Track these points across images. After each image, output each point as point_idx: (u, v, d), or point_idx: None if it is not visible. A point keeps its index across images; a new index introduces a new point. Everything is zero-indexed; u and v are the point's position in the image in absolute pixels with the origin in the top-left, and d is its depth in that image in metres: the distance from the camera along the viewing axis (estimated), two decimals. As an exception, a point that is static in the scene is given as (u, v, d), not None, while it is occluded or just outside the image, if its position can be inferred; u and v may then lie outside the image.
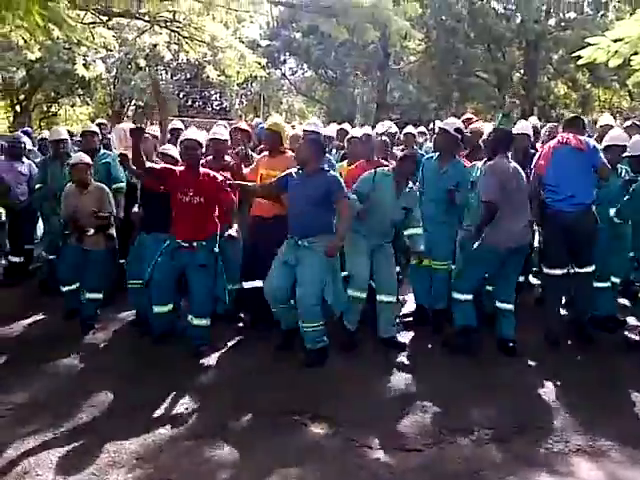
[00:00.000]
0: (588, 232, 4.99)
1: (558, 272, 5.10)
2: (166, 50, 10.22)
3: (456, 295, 4.96)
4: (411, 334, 5.34)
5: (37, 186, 6.77)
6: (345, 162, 6.06)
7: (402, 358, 4.88)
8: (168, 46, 10.25)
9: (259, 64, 9.68)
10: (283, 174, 4.79)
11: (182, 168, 4.95)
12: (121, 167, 5.89)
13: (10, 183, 6.74)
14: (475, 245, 4.70)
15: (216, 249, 4.93)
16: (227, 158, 5.55)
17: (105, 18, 8.54)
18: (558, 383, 4.42)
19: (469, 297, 4.92)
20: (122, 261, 5.88)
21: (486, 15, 22.38)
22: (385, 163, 5.57)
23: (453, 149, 5.38)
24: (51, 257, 6.49)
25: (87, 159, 5.63)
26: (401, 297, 5.99)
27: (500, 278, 4.98)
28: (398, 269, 5.55)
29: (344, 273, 5.08)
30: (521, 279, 5.90)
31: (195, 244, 4.81)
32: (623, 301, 6.13)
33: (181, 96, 30.31)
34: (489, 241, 4.65)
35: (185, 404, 4.12)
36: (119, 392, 4.27)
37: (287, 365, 4.70)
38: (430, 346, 5.09)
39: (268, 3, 9.58)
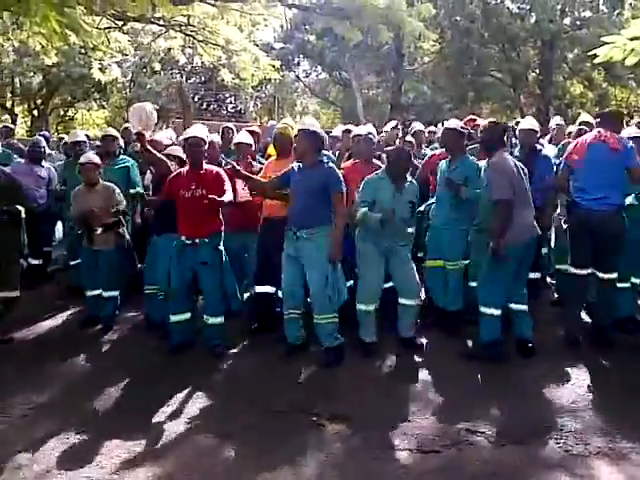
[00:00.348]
0: (615, 234, 4.88)
1: (582, 272, 5.03)
2: (181, 54, 10.32)
3: (484, 309, 4.74)
4: (429, 335, 5.32)
5: (59, 188, 6.90)
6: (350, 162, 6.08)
7: (420, 359, 4.87)
8: (183, 50, 10.36)
9: (273, 67, 9.74)
10: (285, 169, 4.85)
11: (185, 169, 5.01)
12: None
13: (29, 186, 6.82)
14: (492, 246, 4.60)
15: (220, 247, 4.96)
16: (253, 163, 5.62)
17: (120, 23, 8.64)
18: (577, 385, 4.38)
19: (498, 312, 4.71)
20: (140, 266, 5.95)
21: (500, 15, 22.29)
22: (379, 164, 5.61)
23: (461, 146, 5.41)
24: (73, 263, 6.57)
25: (96, 159, 5.72)
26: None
27: (512, 279, 4.89)
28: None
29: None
30: (534, 276, 5.87)
31: (198, 241, 4.84)
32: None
33: (196, 99, 30.44)
34: (512, 241, 4.54)
35: (202, 403, 4.14)
36: (136, 392, 4.32)
37: (304, 365, 4.71)
38: (447, 347, 5.06)
39: (282, 6, 9.66)
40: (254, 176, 5.09)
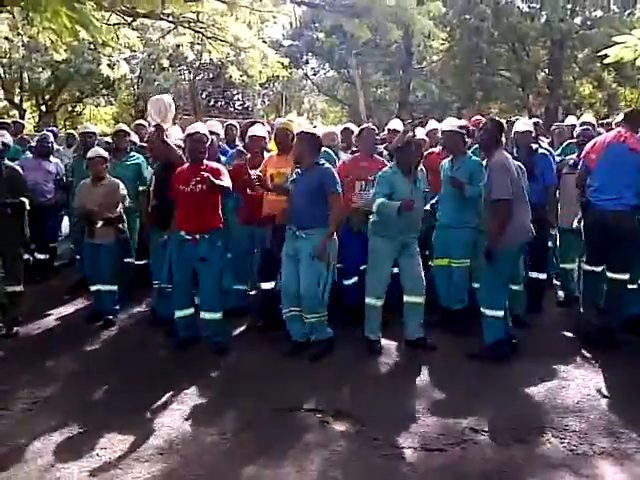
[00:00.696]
0: (628, 234, 4.88)
1: (597, 269, 5.07)
2: (189, 50, 10.31)
3: (487, 312, 4.72)
4: (433, 334, 5.31)
5: (66, 180, 7.10)
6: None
7: (425, 358, 4.86)
8: (192, 46, 10.35)
9: (282, 64, 9.72)
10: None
11: (186, 165, 5.04)
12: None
13: (38, 181, 6.86)
14: (487, 245, 4.60)
15: (219, 243, 4.98)
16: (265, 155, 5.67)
17: (130, 19, 8.64)
18: (582, 385, 4.37)
19: (500, 314, 4.70)
20: (144, 262, 6.01)
21: (510, 14, 22.17)
22: (380, 159, 5.68)
23: (461, 146, 5.44)
24: (78, 257, 6.63)
25: (104, 153, 5.79)
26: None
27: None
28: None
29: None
30: (541, 276, 5.87)
31: (197, 237, 4.86)
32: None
33: (203, 96, 30.48)
34: (509, 241, 4.57)
35: (206, 400, 4.16)
36: (140, 388, 4.33)
37: (308, 362, 4.71)
38: (452, 347, 5.05)
39: (291, 3, 9.61)
40: (279, 184, 5.13)
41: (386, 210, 4.80)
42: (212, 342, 4.99)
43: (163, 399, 4.13)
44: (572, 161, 5.88)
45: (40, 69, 22.52)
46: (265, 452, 3.47)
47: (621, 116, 6.73)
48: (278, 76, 10.75)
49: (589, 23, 22.44)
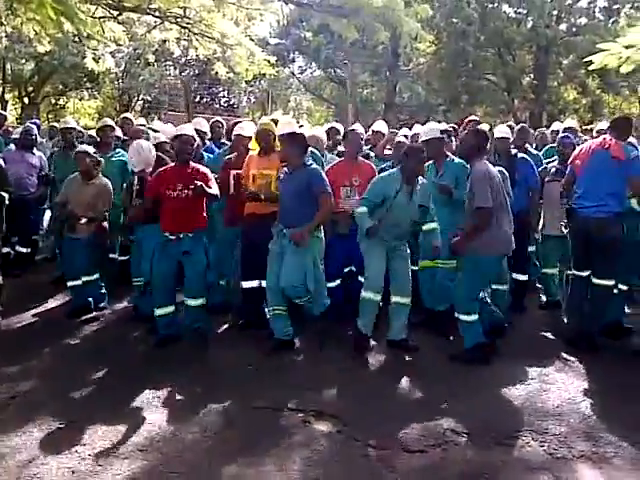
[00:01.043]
0: (611, 242, 4.91)
1: (583, 274, 5.12)
2: (176, 46, 10.23)
3: (463, 317, 4.79)
4: (416, 335, 5.32)
5: (49, 173, 7.00)
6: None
7: (407, 359, 4.88)
8: (178, 42, 10.27)
9: (268, 62, 9.68)
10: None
11: (170, 166, 5.04)
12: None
13: (21, 174, 6.77)
14: (454, 247, 4.70)
15: (204, 239, 5.01)
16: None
17: (116, 13, 8.55)
18: (562, 389, 4.40)
19: (475, 317, 4.77)
20: (127, 257, 5.96)
21: (497, 19, 22.34)
22: (367, 162, 5.65)
23: (442, 151, 5.45)
24: (58, 252, 6.57)
25: (91, 150, 5.75)
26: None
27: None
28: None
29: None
30: (521, 277, 5.92)
31: (181, 235, 4.87)
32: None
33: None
34: (489, 251, 4.63)
35: (187, 398, 4.13)
36: (121, 385, 4.29)
37: (292, 362, 4.71)
38: (434, 348, 5.07)
39: (279, 1, 9.60)
40: (254, 192, 5.12)
41: (359, 222, 4.86)
42: (193, 329, 4.99)
43: (144, 396, 4.10)
44: (554, 169, 5.94)
45: (23, 60, 22.20)
46: (247, 450, 3.46)
47: (605, 123, 6.85)
48: (264, 74, 10.69)
49: (574, 30, 22.68)
